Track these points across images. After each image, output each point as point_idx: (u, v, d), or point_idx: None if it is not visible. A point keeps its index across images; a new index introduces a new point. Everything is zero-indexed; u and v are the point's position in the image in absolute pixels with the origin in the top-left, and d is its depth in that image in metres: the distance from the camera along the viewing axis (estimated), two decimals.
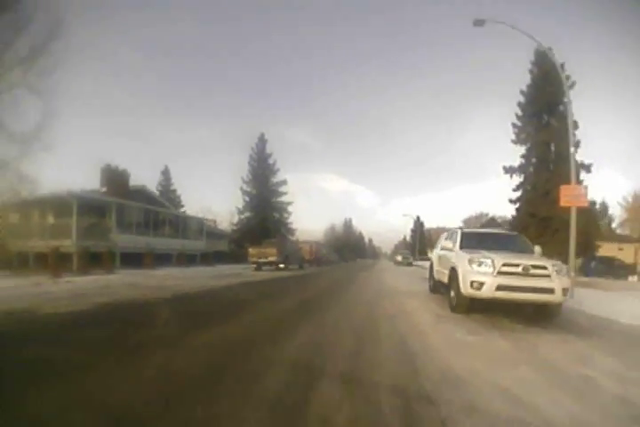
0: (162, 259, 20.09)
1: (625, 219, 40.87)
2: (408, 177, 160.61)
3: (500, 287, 5.27)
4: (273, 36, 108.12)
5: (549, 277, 5.32)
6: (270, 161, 36.80)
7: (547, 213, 16.04)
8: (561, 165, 17.61)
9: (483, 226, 42.69)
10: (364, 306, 6.93)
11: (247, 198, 35.74)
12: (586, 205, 10.00)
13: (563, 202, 10.01)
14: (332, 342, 4.02)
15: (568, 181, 16.66)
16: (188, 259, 21.85)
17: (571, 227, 10.03)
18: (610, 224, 44.22)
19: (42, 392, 2.33)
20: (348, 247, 60.91)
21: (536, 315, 5.98)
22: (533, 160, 18.57)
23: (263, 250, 18.92)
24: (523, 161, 19.15)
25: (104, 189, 20.45)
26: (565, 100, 16.79)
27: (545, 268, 5.37)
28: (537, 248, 7.17)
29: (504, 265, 5.40)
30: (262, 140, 36.90)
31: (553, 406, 2.38)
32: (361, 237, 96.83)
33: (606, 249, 26.81)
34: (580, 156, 17.79)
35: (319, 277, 16.45)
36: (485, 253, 5.90)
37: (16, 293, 8.44)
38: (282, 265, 19.09)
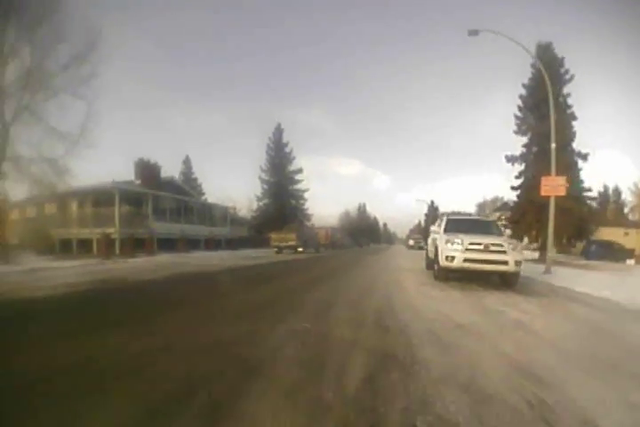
0: (191, 244, 22.39)
1: (635, 204, 41.46)
2: (424, 161, 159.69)
3: (466, 260, 7.09)
4: (287, 20, 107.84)
5: (505, 253, 7.08)
6: (287, 150, 38.73)
7: (544, 199, 17.31)
8: (559, 155, 18.86)
9: (496, 210, 44.32)
10: (367, 276, 8.87)
11: (265, 186, 37.95)
12: (563, 194, 11.52)
13: (543, 191, 11.61)
14: (342, 292, 5.95)
15: (564, 170, 18.04)
16: (214, 244, 24.15)
17: (550, 213, 11.68)
18: (622, 210, 44.78)
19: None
20: (362, 232, 62.73)
21: (501, 283, 7.76)
22: (534, 150, 19.84)
23: (284, 235, 21.00)
24: (524, 150, 20.47)
25: (138, 181, 22.69)
26: (564, 97, 17.95)
27: (501, 245, 7.13)
28: (507, 231, 8.92)
29: (470, 244, 7.19)
30: (279, 130, 38.76)
31: (464, 318, 4.23)
32: (375, 221, 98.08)
33: (612, 234, 27.88)
34: (592, 143, 18.85)
35: (333, 258, 18.46)
36: (460, 235, 7.67)
37: (89, 269, 10.67)
38: (300, 249, 21.19)
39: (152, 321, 3.80)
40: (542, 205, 18.67)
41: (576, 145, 19.55)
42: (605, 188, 45.91)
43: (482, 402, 2.00)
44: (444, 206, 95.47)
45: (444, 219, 9.47)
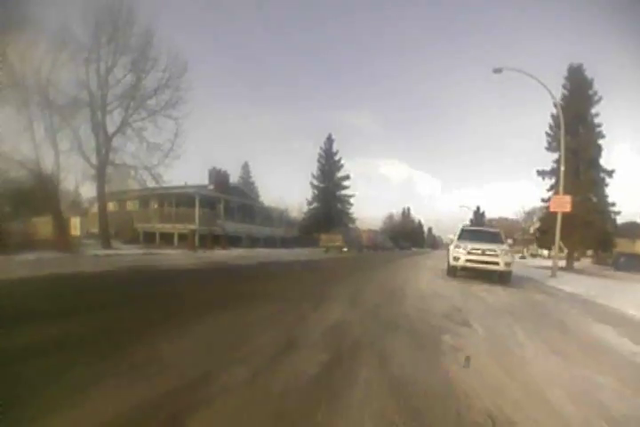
0: (252, 241, 26.32)
1: None
2: (474, 164, 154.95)
3: (467, 260, 9.84)
4: (336, 22, 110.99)
5: (497, 256, 9.72)
6: (336, 158, 42.22)
7: (569, 211, 19.01)
8: (587, 170, 20.54)
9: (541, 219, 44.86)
10: (395, 270, 11.83)
11: (315, 191, 41.76)
12: (568, 210, 13.60)
13: (552, 208, 13.86)
14: (374, 278, 9.01)
15: (590, 185, 19.72)
16: (272, 242, 27.99)
17: (557, 226, 13.83)
18: None
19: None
20: (404, 236, 64.59)
21: (499, 281, 10.34)
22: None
23: (331, 237, 24.45)
24: (555, 165, 22.12)
25: (211, 187, 26.93)
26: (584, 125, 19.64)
27: (495, 251, 9.77)
28: (509, 240, 11.45)
29: (472, 248, 9.91)
30: (330, 140, 42.46)
31: (447, 293, 7.14)
32: (420, 225, 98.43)
33: None
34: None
35: (373, 258, 21.44)
36: (466, 242, 10.39)
37: (190, 256, 14.46)
38: (345, 249, 24.41)
39: (287, 277, 7.14)
40: (568, 217, 20.32)
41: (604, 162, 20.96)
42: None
43: (428, 314, 5.01)
44: (494, 212, 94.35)
45: (460, 229, 12.15)
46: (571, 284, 11.17)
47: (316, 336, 3.38)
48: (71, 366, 2.32)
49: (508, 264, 9.74)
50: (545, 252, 37.68)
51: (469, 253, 9.93)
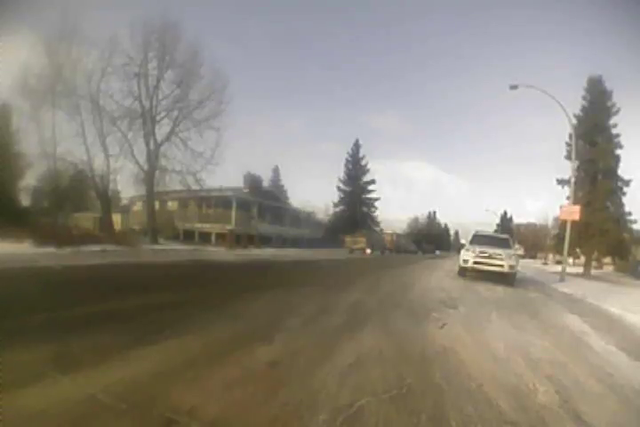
0: (282, 241, 28.32)
1: None
2: (506, 170, 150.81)
3: (475, 262, 11.20)
4: (360, 30, 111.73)
5: (502, 259, 11.03)
6: (362, 163, 43.86)
7: (586, 219, 19.73)
8: (604, 180, 21.26)
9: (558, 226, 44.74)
10: (412, 270, 13.33)
11: (342, 195, 43.53)
12: (577, 219, 14.60)
13: (561, 216, 14.95)
14: (391, 274, 10.59)
15: (607, 194, 20.50)
16: (299, 242, 29.89)
17: (566, 234, 14.87)
18: None
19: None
20: (429, 239, 65.15)
21: (503, 282, 11.61)
22: (582, 175, 22.16)
23: (355, 239, 26.12)
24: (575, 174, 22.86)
25: (246, 190, 29.07)
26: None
27: (500, 254, 11.08)
28: (517, 245, 12.73)
29: (480, 252, 11.28)
30: (357, 145, 44.16)
31: (449, 288, 8.63)
32: (445, 229, 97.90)
33: None
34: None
35: (393, 260, 22.87)
36: (476, 246, 11.75)
37: (233, 253, 16.42)
38: (368, 251, 25.96)
39: (317, 271, 8.88)
40: (584, 225, 20.98)
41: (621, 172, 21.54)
42: None
43: (427, 300, 6.58)
44: (521, 217, 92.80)
45: (472, 235, 13.52)
46: (573, 287, 12.19)
47: (340, 307, 5.05)
48: (194, 313, 4.13)
49: (511, 267, 11.02)
50: (570, 259, 37.79)
51: (477, 255, 11.30)
